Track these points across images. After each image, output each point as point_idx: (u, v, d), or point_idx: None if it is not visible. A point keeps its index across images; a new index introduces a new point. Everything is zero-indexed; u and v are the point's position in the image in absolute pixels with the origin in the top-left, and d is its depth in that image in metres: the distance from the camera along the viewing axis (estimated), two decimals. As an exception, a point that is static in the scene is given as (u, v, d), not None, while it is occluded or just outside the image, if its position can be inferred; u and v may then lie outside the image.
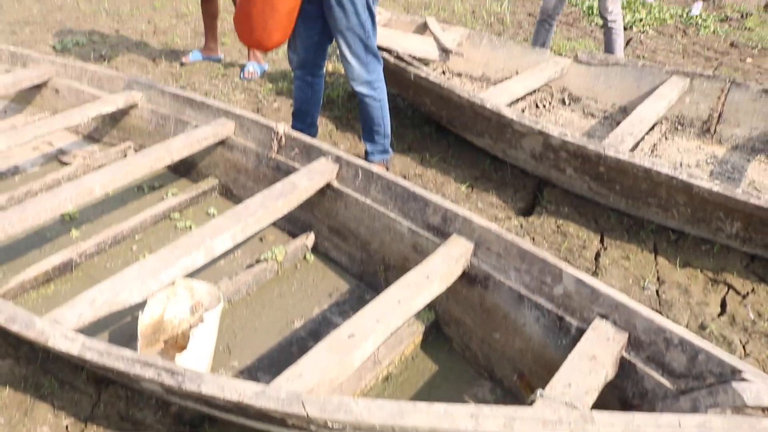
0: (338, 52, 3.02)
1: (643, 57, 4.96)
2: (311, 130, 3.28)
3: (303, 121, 3.24)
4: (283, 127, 2.74)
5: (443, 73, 3.99)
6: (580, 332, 1.85)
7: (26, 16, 6.12)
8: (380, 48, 3.44)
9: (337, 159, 2.55)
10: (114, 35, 5.47)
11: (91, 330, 2.10)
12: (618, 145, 2.90)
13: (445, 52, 3.67)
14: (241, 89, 4.23)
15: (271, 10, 2.69)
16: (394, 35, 3.60)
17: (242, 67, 4.54)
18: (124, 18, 5.98)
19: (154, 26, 5.70)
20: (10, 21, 5.96)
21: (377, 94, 2.99)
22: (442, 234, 2.24)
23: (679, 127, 3.68)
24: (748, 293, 2.56)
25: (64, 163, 3.38)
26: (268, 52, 4.75)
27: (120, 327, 2.29)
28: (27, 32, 5.64)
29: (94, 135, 3.65)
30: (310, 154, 2.65)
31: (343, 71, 4.43)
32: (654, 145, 3.54)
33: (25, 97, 3.91)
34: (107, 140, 3.58)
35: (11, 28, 5.74)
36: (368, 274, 2.52)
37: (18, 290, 2.38)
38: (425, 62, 3.83)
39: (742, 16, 6.04)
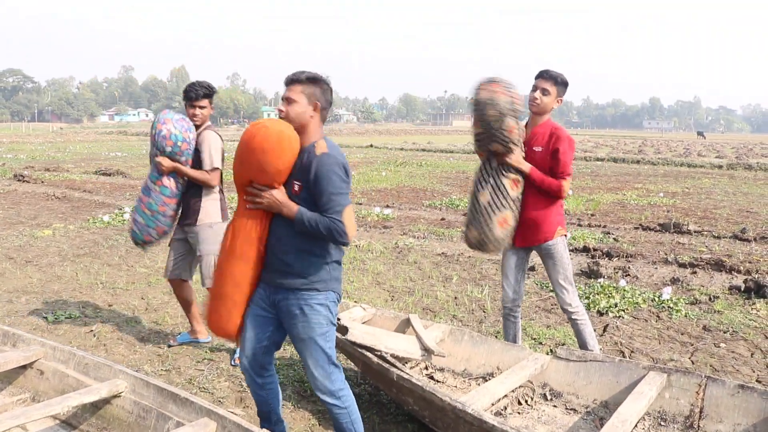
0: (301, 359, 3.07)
1: (621, 343, 5.10)
2: (280, 427, 3.25)
3: (268, 420, 3.22)
4: (265, 435, 2.73)
5: (426, 368, 4.07)
6: None
7: (25, 285, 6.35)
8: (363, 347, 3.56)
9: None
10: (107, 310, 5.63)
11: None
12: (602, 455, 2.87)
13: (427, 351, 3.79)
14: (226, 376, 4.26)
15: (231, 305, 3.02)
16: (378, 333, 3.73)
17: (233, 353, 4.59)
18: (118, 292, 6.20)
19: (147, 303, 5.89)
20: (9, 289, 6.17)
21: (342, 402, 3.00)
22: None
23: (663, 423, 3.66)
24: None
25: (35, 455, 3.28)
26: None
27: None
28: (23, 301, 5.82)
29: (71, 421, 3.57)
30: (290, 464, 2.61)
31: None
32: (639, 443, 3.51)
33: (8, 376, 3.90)
34: (84, 427, 3.50)
35: (8, 297, 5.92)
36: None
37: None
38: (407, 359, 3.93)
39: (710, 299, 6.31)
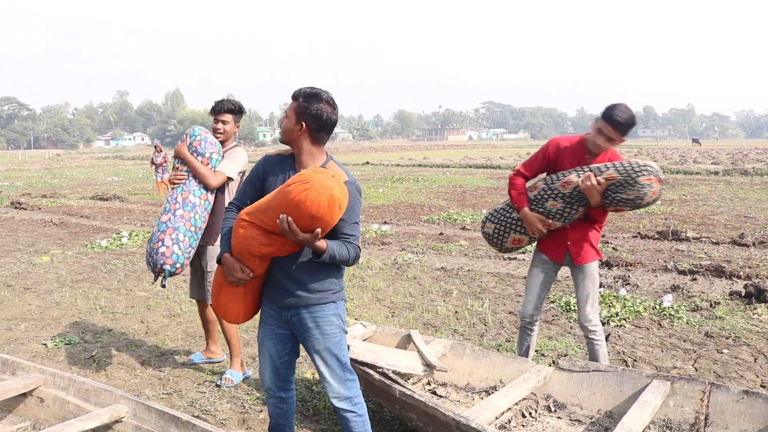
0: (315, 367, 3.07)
1: (623, 352, 5.08)
2: None
3: None
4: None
5: (428, 383, 4.05)
6: None
7: (24, 312, 6.32)
8: (365, 364, 3.54)
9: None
10: (106, 334, 5.60)
11: None
12: (608, 466, 2.85)
13: (429, 366, 3.77)
14: (228, 398, 4.22)
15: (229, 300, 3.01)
16: (379, 350, 3.72)
17: (220, 375, 4.59)
18: (118, 316, 6.17)
19: (147, 326, 5.86)
20: (8, 317, 6.14)
21: (358, 410, 2.99)
22: None
23: (668, 431, 3.64)
24: None
25: (35, 482, 3.24)
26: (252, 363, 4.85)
27: None
28: (22, 329, 5.78)
29: (71, 448, 3.55)
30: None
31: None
32: (646, 453, 3.48)
33: (8, 405, 3.87)
34: (86, 455, 3.47)
35: (7, 324, 5.89)
36: None
37: None
38: (410, 375, 3.91)
39: (711, 305, 6.30)
